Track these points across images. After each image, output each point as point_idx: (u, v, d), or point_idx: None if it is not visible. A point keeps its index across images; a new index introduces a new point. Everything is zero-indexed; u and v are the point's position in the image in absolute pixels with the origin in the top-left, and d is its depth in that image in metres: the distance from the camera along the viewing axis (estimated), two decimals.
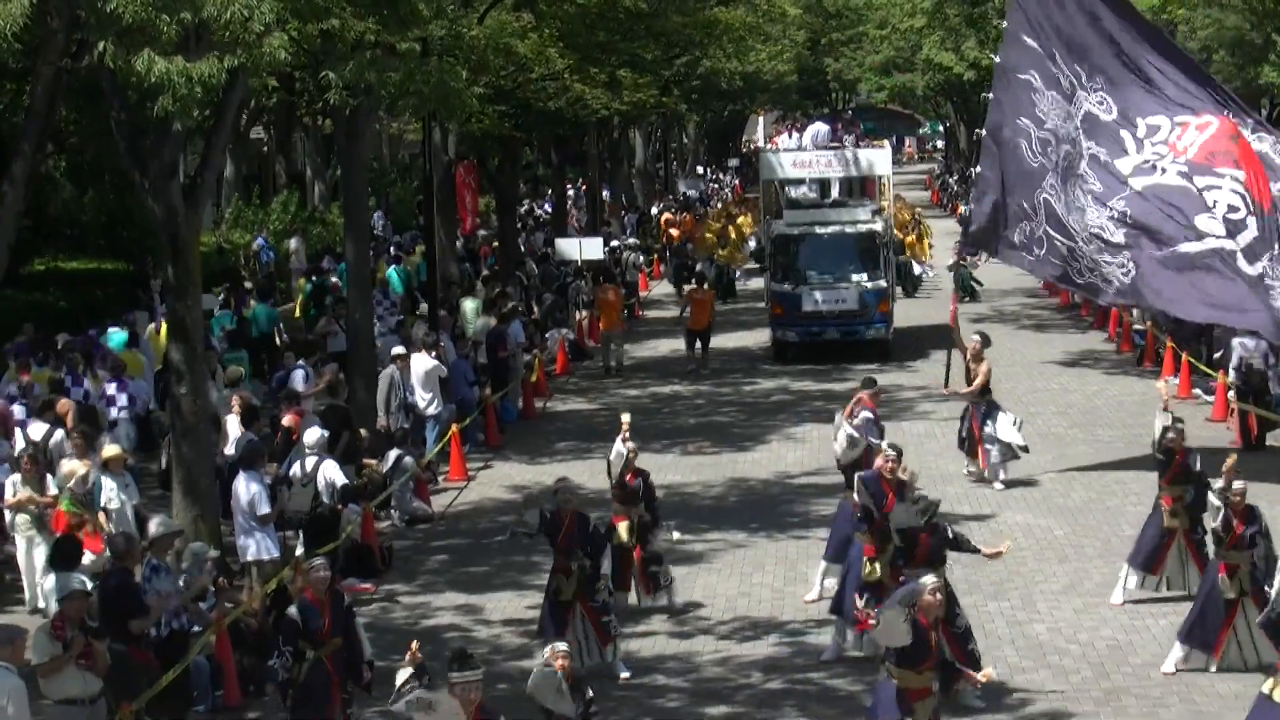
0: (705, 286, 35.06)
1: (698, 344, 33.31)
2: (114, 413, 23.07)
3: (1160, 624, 16.50)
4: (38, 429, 20.41)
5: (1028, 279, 47.54)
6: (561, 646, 12.32)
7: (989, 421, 22.46)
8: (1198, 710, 14.38)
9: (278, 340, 30.83)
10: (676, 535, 18.74)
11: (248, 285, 35.86)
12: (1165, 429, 17.18)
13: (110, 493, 17.98)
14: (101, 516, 17.66)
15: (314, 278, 36.86)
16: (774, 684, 15.52)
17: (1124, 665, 15.54)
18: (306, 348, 26.87)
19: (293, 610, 13.20)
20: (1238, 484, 15.22)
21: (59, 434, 20.10)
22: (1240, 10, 25.16)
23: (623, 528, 17.33)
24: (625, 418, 17.83)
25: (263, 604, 16.63)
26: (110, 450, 18.62)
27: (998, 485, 22.40)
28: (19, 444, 20.18)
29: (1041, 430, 26.45)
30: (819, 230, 33.95)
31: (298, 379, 23.90)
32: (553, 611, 15.64)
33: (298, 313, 36.32)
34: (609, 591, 16.11)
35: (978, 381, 22.73)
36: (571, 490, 16.12)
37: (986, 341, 23.44)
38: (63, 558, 15.25)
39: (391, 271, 38.17)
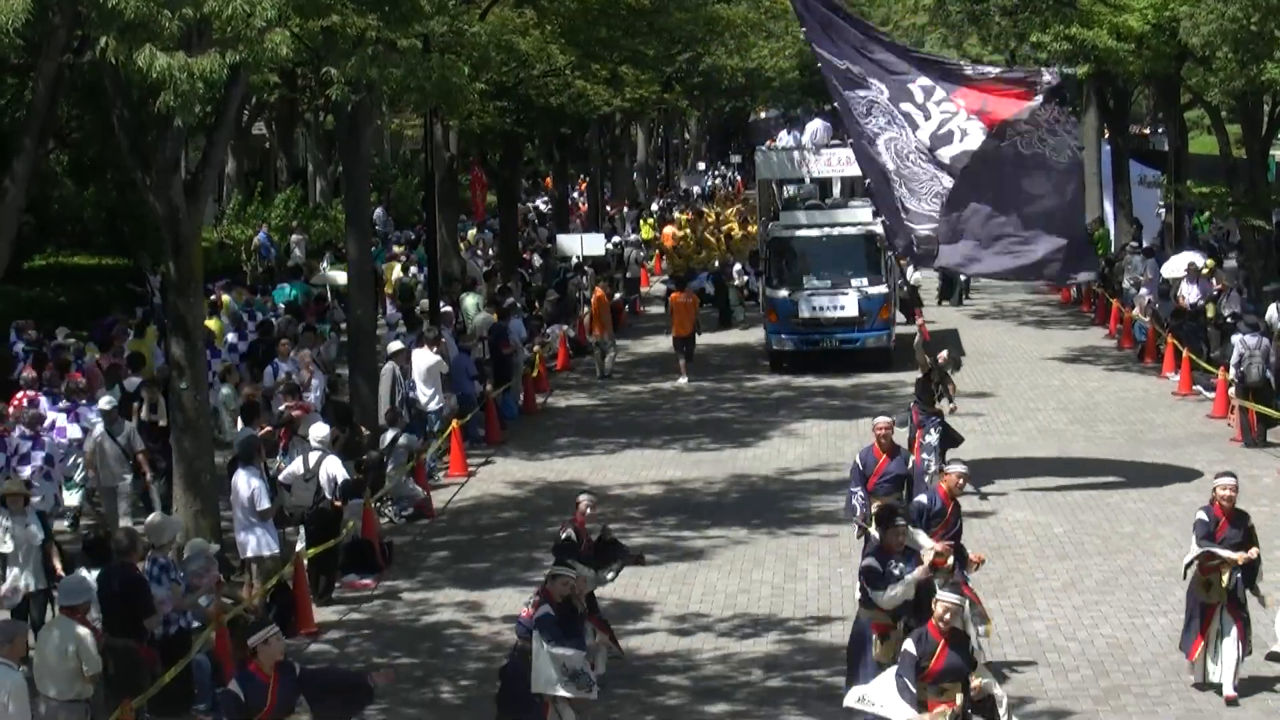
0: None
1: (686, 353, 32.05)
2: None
3: (1160, 622, 16.50)
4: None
5: None
6: None
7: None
8: (1196, 709, 14.37)
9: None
10: (610, 576, 16.08)
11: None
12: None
13: (2, 533, 16.27)
14: None
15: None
16: (774, 681, 15.52)
17: (1124, 664, 15.53)
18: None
19: (234, 685, 11.71)
20: (1226, 480, 14.50)
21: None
22: (1244, 4, 25.02)
23: None
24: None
25: (262, 600, 16.66)
26: (7, 485, 16.74)
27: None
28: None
29: (1042, 426, 26.50)
30: (817, 232, 32.62)
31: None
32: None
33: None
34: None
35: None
36: (563, 575, 13.70)
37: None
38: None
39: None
